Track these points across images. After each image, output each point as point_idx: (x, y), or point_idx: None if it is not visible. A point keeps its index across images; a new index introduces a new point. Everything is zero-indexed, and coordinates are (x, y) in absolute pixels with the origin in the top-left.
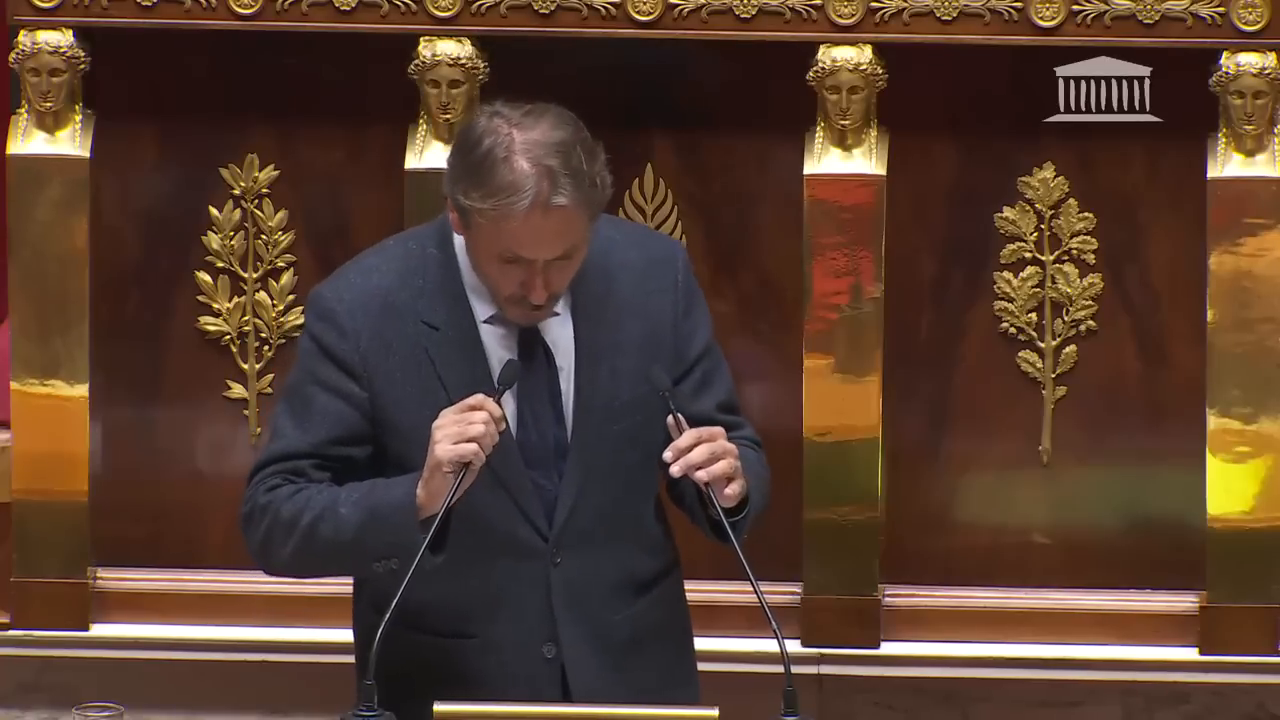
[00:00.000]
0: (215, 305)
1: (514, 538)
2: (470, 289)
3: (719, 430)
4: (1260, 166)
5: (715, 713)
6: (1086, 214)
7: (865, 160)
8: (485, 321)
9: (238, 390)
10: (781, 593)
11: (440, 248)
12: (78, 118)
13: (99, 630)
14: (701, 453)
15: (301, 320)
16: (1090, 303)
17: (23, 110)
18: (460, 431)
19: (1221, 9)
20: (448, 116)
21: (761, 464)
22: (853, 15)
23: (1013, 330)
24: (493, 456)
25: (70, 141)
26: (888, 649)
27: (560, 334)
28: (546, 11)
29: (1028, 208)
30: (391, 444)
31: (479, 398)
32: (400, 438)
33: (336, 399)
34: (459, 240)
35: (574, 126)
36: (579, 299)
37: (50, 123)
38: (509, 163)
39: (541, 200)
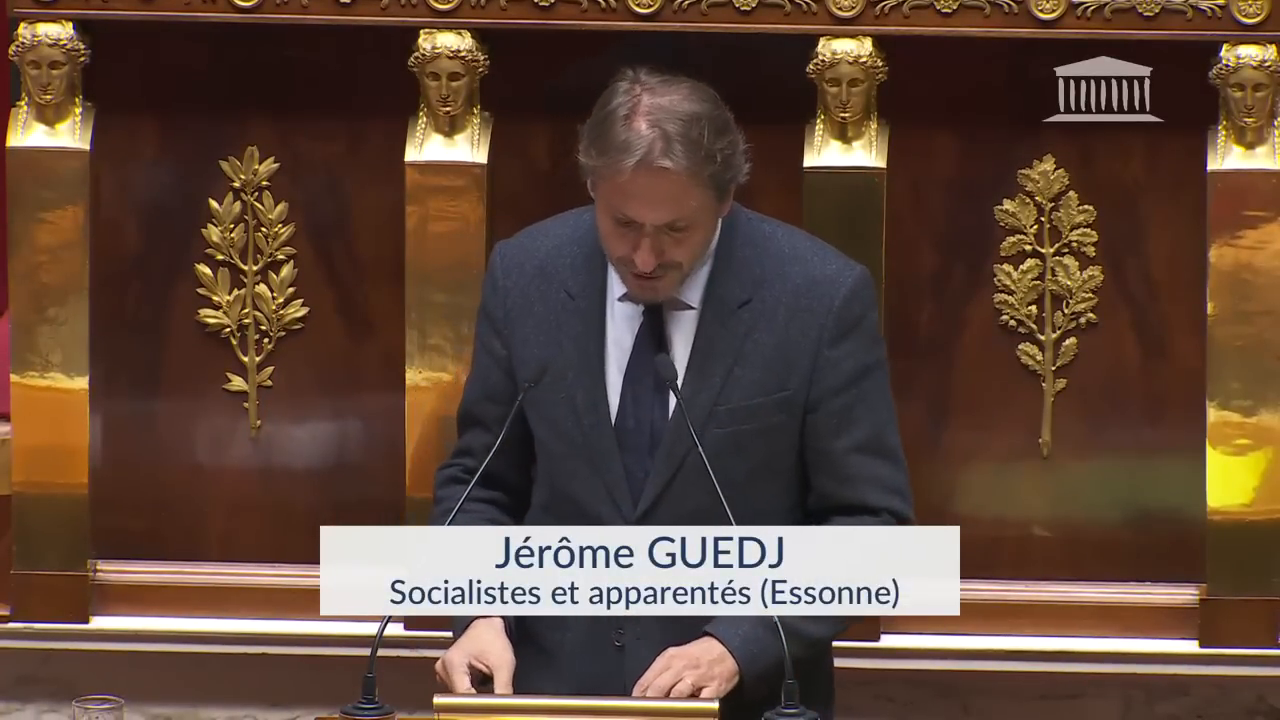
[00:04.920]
0: (215, 298)
1: (598, 518)
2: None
3: (675, 658)
4: (1260, 159)
5: (716, 706)
6: (1086, 206)
7: (865, 153)
8: (619, 299)
9: (237, 383)
10: None
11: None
12: (78, 110)
13: (99, 623)
14: (661, 686)
15: (302, 313)
16: (1090, 295)
17: (23, 103)
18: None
19: (1221, 2)
20: (447, 109)
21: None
22: (852, 8)
23: (1012, 323)
24: (590, 436)
25: (70, 134)
26: (887, 642)
27: (684, 327)
28: (546, 4)
29: (1028, 200)
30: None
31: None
32: (525, 399)
33: (485, 353)
34: None
35: (710, 103)
36: (715, 297)
37: (50, 115)
38: (629, 122)
39: (649, 160)
